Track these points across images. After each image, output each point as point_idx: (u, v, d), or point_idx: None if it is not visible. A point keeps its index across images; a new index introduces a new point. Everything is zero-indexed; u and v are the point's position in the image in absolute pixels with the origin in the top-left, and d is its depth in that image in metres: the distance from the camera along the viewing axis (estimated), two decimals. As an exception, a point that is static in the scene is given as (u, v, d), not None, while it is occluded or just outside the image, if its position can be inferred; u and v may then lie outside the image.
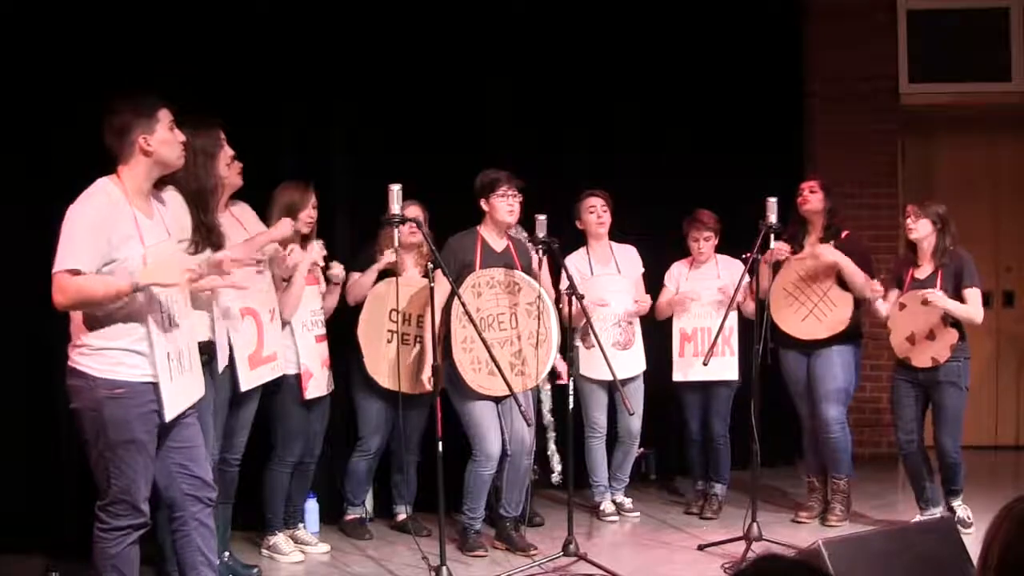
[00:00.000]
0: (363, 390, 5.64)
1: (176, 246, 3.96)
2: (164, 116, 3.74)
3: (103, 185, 3.69)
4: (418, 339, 5.53)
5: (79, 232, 3.56)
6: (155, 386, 3.67)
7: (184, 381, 3.80)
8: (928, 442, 5.64)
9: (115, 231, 3.60)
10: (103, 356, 3.62)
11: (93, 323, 3.63)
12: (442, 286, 5.01)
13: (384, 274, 5.57)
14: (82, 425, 3.67)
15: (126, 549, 3.68)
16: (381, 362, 5.53)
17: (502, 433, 5.32)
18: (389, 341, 5.54)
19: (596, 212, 5.98)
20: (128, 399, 3.62)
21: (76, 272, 3.53)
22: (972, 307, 5.42)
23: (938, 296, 5.35)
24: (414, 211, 5.26)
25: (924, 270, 5.57)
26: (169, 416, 3.70)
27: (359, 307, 5.57)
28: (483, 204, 5.36)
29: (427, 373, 5.18)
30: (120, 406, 3.61)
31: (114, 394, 3.60)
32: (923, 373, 5.51)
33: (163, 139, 3.73)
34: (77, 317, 3.67)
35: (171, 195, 4.15)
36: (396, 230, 4.75)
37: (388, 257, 5.47)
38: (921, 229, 5.52)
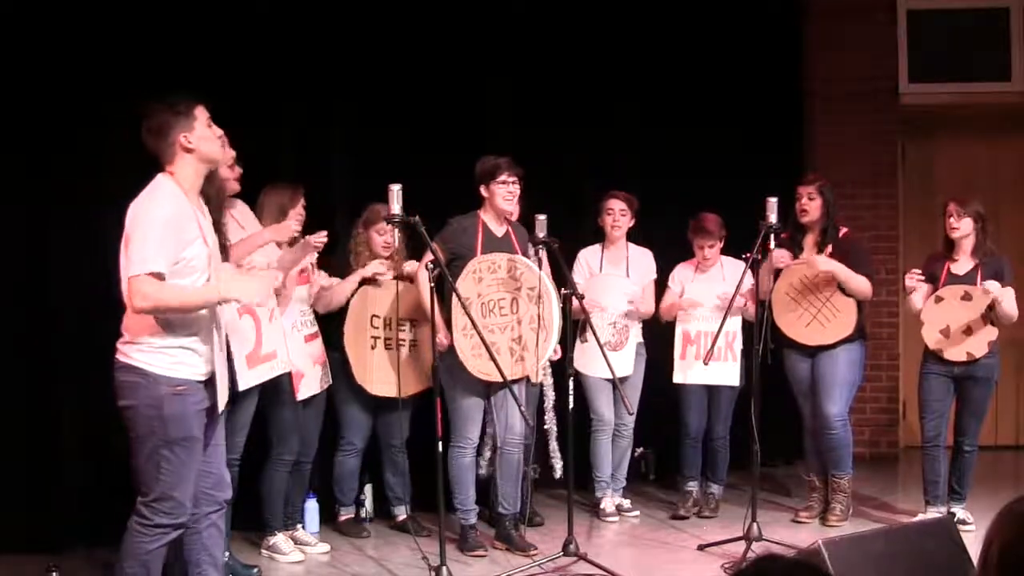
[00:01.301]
0: (342, 388, 5.61)
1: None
2: (201, 113, 3.75)
3: (165, 182, 3.68)
4: (401, 343, 5.53)
5: (154, 232, 3.54)
6: (205, 383, 3.73)
7: (224, 378, 3.88)
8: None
9: (184, 230, 3.62)
10: (165, 354, 3.64)
11: (159, 321, 3.62)
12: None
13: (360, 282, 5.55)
14: (133, 422, 3.66)
15: (161, 548, 3.70)
16: (366, 370, 5.51)
17: (494, 426, 5.41)
18: (372, 347, 5.53)
19: (613, 215, 5.98)
20: (189, 395, 3.68)
21: (158, 275, 3.51)
22: (1013, 304, 5.51)
23: (996, 286, 5.39)
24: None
25: (962, 266, 5.61)
26: (222, 407, 3.77)
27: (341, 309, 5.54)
28: (483, 190, 5.35)
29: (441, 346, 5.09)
30: (181, 403, 3.65)
31: (176, 391, 3.64)
32: (959, 367, 5.55)
33: (203, 135, 3.73)
34: (140, 314, 3.63)
35: None
36: (396, 230, 4.80)
37: (374, 267, 5.46)
38: (964, 227, 5.58)
